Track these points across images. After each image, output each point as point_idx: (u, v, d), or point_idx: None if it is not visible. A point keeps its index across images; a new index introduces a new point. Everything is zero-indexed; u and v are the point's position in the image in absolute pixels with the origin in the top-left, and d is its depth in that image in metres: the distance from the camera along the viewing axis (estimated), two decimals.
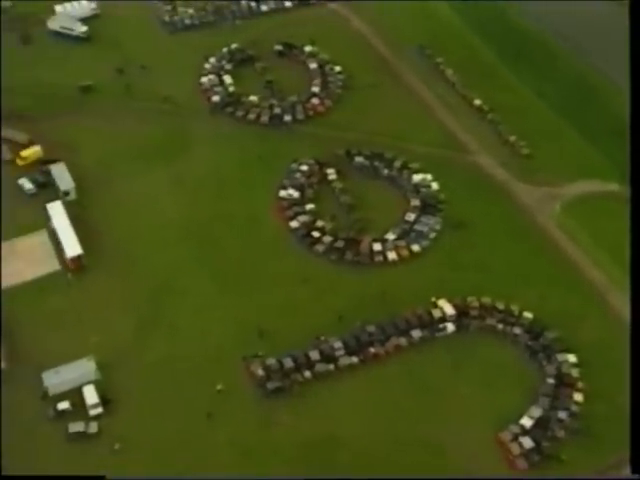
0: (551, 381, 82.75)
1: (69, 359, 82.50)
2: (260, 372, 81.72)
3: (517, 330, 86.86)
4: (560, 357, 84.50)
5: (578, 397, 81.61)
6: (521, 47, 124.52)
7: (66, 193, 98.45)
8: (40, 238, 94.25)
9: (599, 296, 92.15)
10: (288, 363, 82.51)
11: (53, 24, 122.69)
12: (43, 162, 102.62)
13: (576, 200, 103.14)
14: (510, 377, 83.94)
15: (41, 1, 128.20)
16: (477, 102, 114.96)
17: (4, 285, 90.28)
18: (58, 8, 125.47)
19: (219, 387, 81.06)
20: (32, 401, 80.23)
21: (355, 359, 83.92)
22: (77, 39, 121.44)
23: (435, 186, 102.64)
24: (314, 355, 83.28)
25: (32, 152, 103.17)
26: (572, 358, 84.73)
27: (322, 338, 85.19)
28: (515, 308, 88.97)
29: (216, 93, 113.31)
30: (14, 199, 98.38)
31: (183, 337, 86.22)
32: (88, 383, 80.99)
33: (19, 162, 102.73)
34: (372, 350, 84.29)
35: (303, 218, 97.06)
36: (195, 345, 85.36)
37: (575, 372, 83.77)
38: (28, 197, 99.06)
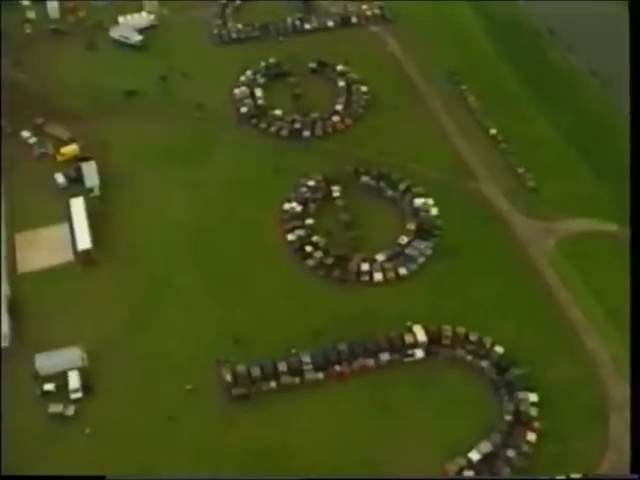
0: (508, 418, 76.69)
1: (63, 344, 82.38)
2: (228, 377, 79.32)
3: (484, 363, 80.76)
4: (521, 395, 78.14)
5: (531, 437, 75.39)
6: (548, 79, 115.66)
7: (90, 190, 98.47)
8: (61, 230, 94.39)
9: (575, 337, 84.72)
10: (256, 372, 79.77)
11: (114, 33, 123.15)
12: (79, 159, 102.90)
13: (572, 237, 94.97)
14: (469, 409, 78.33)
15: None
16: (493, 131, 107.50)
17: (22, 270, 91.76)
18: (121, 19, 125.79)
19: (189, 387, 79.20)
20: (26, 380, 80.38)
21: (321, 375, 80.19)
22: (133, 47, 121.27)
23: (434, 211, 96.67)
24: (282, 367, 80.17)
25: (70, 150, 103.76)
26: (533, 397, 78.23)
27: (293, 351, 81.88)
28: (488, 341, 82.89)
29: (245, 105, 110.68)
30: (47, 191, 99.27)
31: (168, 335, 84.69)
32: (74, 369, 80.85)
33: (58, 158, 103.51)
34: (337, 368, 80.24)
35: (299, 232, 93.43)
36: (177, 343, 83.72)
37: (534, 411, 77.37)
38: (60, 191, 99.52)
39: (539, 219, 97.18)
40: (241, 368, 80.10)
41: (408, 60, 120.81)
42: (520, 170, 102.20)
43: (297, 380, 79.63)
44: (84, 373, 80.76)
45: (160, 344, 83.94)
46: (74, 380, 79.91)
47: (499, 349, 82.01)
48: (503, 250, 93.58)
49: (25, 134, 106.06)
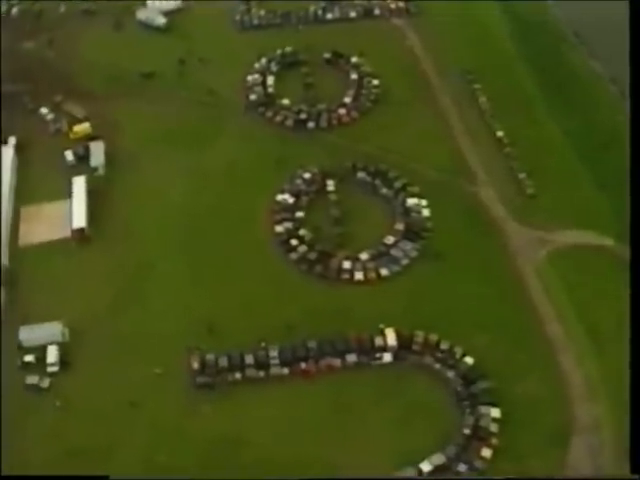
0: (466, 431, 72.34)
1: (49, 318, 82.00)
2: (195, 365, 77.49)
3: (450, 374, 76.37)
4: (483, 409, 73.50)
5: (486, 453, 70.89)
6: (565, 84, 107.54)
7: (95, 169, 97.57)
8: (63, 206, 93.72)
9: (551, 353, 78.98)
10: (223, 362, 77.66)
11: (140, 14, 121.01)
12: (90, 138, 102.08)
13: (565, 249, 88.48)
14: (430, 419, 74.13)
15: None
16: (500, 134, 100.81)
17: (23, 242, 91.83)
18: (149, 1, 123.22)
19: (158, 371, 77.74)
20: (12, 350, 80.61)
21: (286, 371, 77.49)
22: (157, 30, 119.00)
23: (426, 213, 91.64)
24: (248, 359, 77.67)
25: (82, 128, 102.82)
26: (495, 412, 73.45)
27: (263, 344, 79.35)
28: (459, 350, 78.21)
29: (255, 92, 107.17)
30: (57, 168, 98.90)
31: (147, 317, 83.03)
32: (54, 343, 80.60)
33: (71, 135, 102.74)
34: (303, 365, 77.38)
35: (287, 224, 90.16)
36: (155, 327, 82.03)
37: (494, 427, 72.67)
38: (68, 168, 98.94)
39: (534, 228, 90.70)
40: (210, 357, 78.14)
41: (426, 56, 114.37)
42: (521, 176, 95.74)
43: (262, 374, 77.04)
44: (63, 348, 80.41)
45: (139, 326, 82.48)
46: (52, 354, 79.71)
47: (469, 360, 77.29)
48: (491, 258, 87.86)
49: (44, 110, 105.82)
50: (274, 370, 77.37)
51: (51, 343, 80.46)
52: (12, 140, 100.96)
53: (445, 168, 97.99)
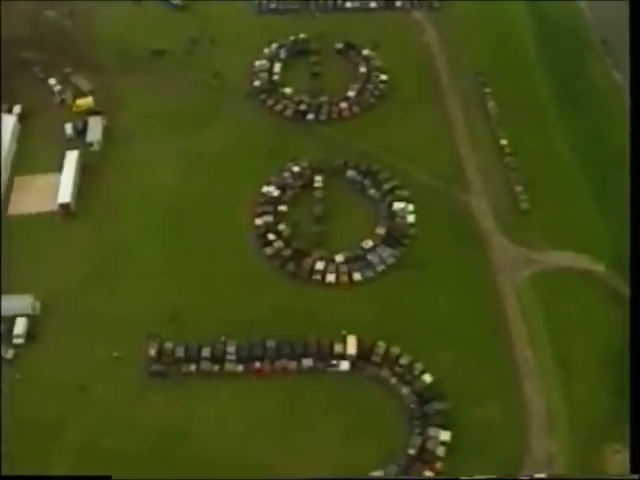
0: (411, 452, 68.88)
1: (24, 291, 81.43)
2: (152, 352, 76.03)
3: (405, 390, 72.71)
4: (432, 431, 69.87)
5: (428, 476, 67.44)
6: (582, 95, 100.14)
7: (90, 144, 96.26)
8: (54, 179, 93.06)
9: (516, 379, 74.39)
10: (180, 352, 75.95)
11: None
12: (92, 112, 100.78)
13: (551, 271, 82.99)
14: (378, 435, 70.91)
15: None
16: (503, 142, 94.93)
17: (11, 212, 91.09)
18: None
19: (116, 354, 76.77)
20: None
21: (241, 368, 75.22)
22: (174, 7, 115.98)
23: (411, 219, 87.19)
24: (205, 352, 75.84)
25: (85, 102, 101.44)
26: (445, 435, 69.73)
27: (223, 338, 77.24)
28: (419, 367, 74.38)
29: (259, 78, 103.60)
30: (54, 140, 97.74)
31: (117, 298, 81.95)
32: (23, 315, 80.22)
33: (74, 108, 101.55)
34: (257, 364, 74.98)
35: (268, 218, 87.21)
36: (122, 309, 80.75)
37: (441, 450, 69.06)
38: (66, 141, 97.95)
39: (522, 245, 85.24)
40: (168, 345, 76.58)
41: (441, 53, 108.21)
42: (518, 189, 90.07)
43: (216, 368, 75.10)
44: (32, 321, 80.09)
45: (107, 306, 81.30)
46: (19, 326, 79.41)
47: (427, 378, 73.48)
48: (472, 273, 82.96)
49: (52, 81, 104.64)
50: (229, 366, 75.23)
51: (21, 315, 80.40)
52: (17, 108, 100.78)
53: (440, 173, 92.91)
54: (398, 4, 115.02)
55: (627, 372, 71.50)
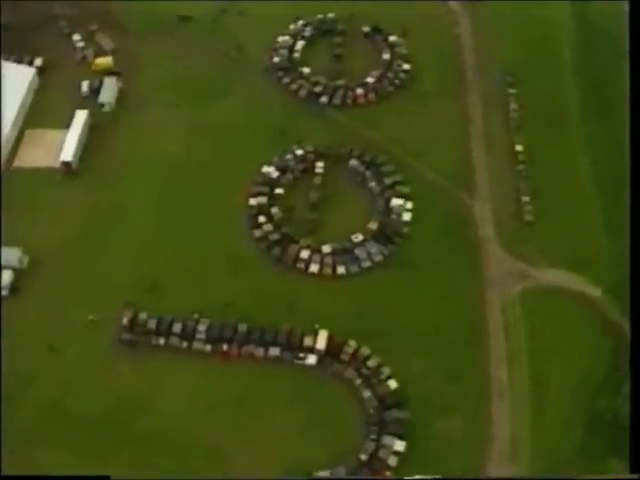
0: (362, 457, 66.64)
1: (15, 244, 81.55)
2: (125, 320, 75.37)
3: (367, 394, 70.09)
4: (387, 439, 67.35)
5: None
6: (612, 107, 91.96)
7: (102, 105, 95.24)
8: (62, 136, 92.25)
9: (485, 398, 70.77)
10: (151, 324, 75.09)
11: None
12: (110, 73, 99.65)
13: (544, 289, 78.27)
14: (332, 435, 68.85)
15: None
16: (518, 147, 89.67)
17: (16, 164, 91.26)
18: None
19: (91, 317, 76.37)
20: None
21: (209, 348, 74.00)
22: None
23: (407, 217, 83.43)
24: (176, 327, 74.71)
25: (104, 61, 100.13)
26: (399, 445, 67.15)
27: (196, 316, 75.87)
28: (386, 371, 71.64)
29: (279, 55, 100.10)
30: (70, 96, 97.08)
31: (103, 262, 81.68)
32: (10, 268, 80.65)
33: (93, 67, 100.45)
34: (224, 347, 73.56)
35: (262, 199, 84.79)
36: (106, 273, 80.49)
37: (393, 460, 66.55)
38: (81, 99, 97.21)
39: (518, 258, 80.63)
40: (142, 316, 75.85)
41: (471, 47, 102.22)
42: (525, 198, 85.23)
43: (185, 345, 74.09)
44: (18, 275, 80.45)
45: (92, 268, 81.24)
46: (5, 278, 79.73)
47: (392, 384, 70.72)
48: (460, 280, 79.02)
49: (76, 37, 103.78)
50: (197, 344, 74.21)
51: (7, 268, 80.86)
52: (38, 61, 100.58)
53: (447, 172, 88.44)
54: None
55: (604, 406, 68.38)
